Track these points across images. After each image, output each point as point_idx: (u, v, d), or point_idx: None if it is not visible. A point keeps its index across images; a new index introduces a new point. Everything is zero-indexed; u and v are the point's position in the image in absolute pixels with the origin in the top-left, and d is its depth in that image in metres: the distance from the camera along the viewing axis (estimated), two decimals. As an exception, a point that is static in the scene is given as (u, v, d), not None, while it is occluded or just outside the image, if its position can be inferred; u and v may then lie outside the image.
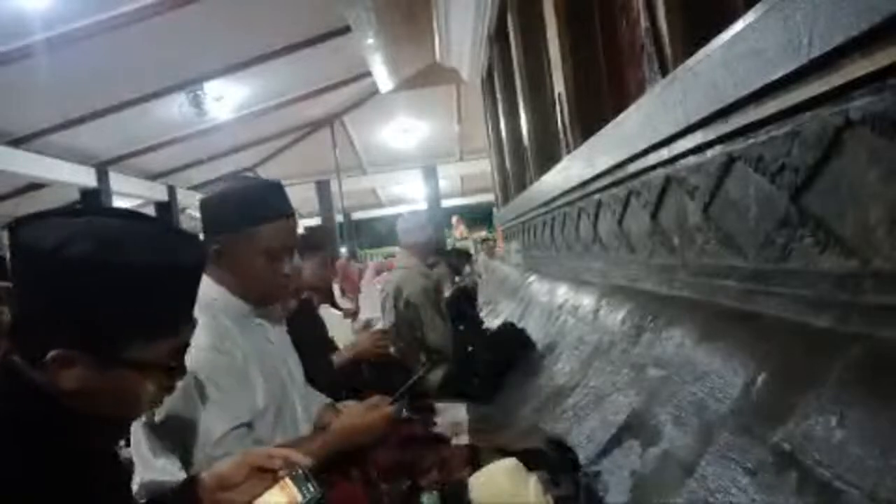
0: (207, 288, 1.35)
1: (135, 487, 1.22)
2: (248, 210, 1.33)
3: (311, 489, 0.96)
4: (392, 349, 2.73)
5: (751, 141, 1.04)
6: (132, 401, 0.81)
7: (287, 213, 1.39)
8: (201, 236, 1.37)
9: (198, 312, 1.32)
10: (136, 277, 0.75)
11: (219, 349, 1.29)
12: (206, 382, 1.25)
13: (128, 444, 1.35)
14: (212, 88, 7.20)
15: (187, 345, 0.87)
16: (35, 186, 8.33)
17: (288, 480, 0.96)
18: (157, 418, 1.23)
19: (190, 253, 0.83)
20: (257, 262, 1.35)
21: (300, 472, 0.97)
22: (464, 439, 2.11)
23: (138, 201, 10.10)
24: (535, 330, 2.66)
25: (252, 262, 1.35)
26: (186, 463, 1.23)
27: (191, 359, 1.23)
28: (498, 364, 2.57)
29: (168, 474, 1.21)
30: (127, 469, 1.20)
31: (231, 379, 1.29)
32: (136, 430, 1.27)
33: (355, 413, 1.43)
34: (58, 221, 0.77)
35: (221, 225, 1.34)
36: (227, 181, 1.45)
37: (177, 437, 1.23)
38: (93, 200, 8.27)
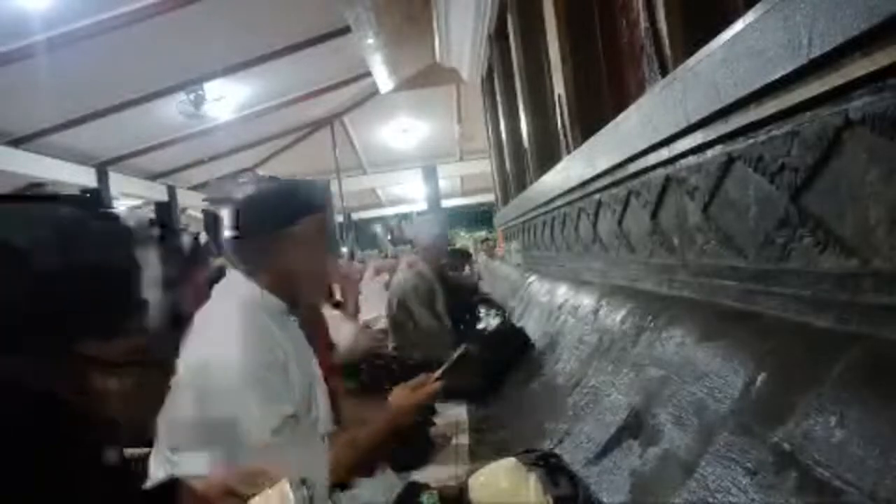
0: (246, 287, 1.38)
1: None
2: (282, 209, 1.36)
3: (305, 495, 0.96)
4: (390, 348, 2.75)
5: (751, 141, 1.04)
6: (103, 400, 0.80)
7: (320, 207, 1.41)
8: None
9: (239, 311, 1.34)
10: (92, 277, 0.75)
11: (260, 346, 1.30)
12: (254, 379, 1.26)
13: (132, 445, 1.35)
14: (212, 88, 7.21)
15: (152, 341, 0.85)
16: (35, 186, 8.33)
17: (285, 485, 0.96)
18: (197, 415, 1.23)
19: (127, 251, 0.81)
20: (296, 260, 1.37)
21: (297, 477, 0.97)
22: (464, 439, 2.11)
23: (138, 201, 10.11)
24: (535, 330, 2.66)
25: (291, 259, 1.37)
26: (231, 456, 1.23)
27: (237, 356, 1.25)
28: (498, 364, 2.57)
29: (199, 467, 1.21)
30: (125, 470, 1.19)
31: (275, 375, 1.31)
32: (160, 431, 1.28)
33: (402, 395, 1.45)
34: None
35: (256, 227, 1.36)
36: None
37: (220, 433, 1.24)
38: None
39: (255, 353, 1.28)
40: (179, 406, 1.21)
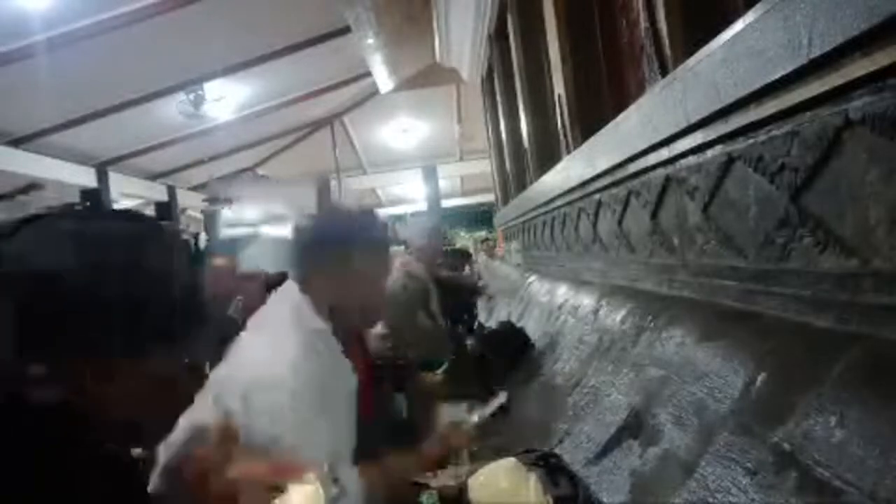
0: (298, 299, 1.43)
1: None
2: (345, 236, 1.44)
3: (337, 490, 0.93)
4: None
5: (751, 141, 1.04)
6: (107, 401, 0.81)
7: (381, 241, 1.50)
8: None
9: (289, 321, 1.40)
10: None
11: (303, 359, 1.36)
12: (293, 388, 1.31)
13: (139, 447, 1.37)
14: (212, 88, 7.21)
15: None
16: (35, 186, 8.33)
17: (313, 478, 0.92)
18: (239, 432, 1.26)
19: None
20: (351, 285, 1.44)
21: (327, 471, 0.94)
22: (464, 440, 2.11)
23: (138, 201, 10.11)
24: (535, 330, 2.66)
25: (346, 283, 1.44)
26: None
27: (281, 367, 1.30)
28: (497, 363, 2.57)
29: None
30: (131, 470, 1.20)
31: (316, 393, 1.36)
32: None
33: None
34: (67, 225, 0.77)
35: (317, 248, 1.44)
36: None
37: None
38: (92, 200, 8.27)
39: (297, 364, 1.32)
40: (210, 406, 1.24)
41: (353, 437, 1.47)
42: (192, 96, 7.16)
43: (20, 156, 7.04)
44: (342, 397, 1.43)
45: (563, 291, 2.60)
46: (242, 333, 1.36)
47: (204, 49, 6.19)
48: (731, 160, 1.12)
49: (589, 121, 2.31)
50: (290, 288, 1.44)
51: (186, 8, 5.20)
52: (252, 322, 1.40)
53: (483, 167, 8.43)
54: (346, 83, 8.41)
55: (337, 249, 1.43)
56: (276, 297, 1.46)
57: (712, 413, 1.04)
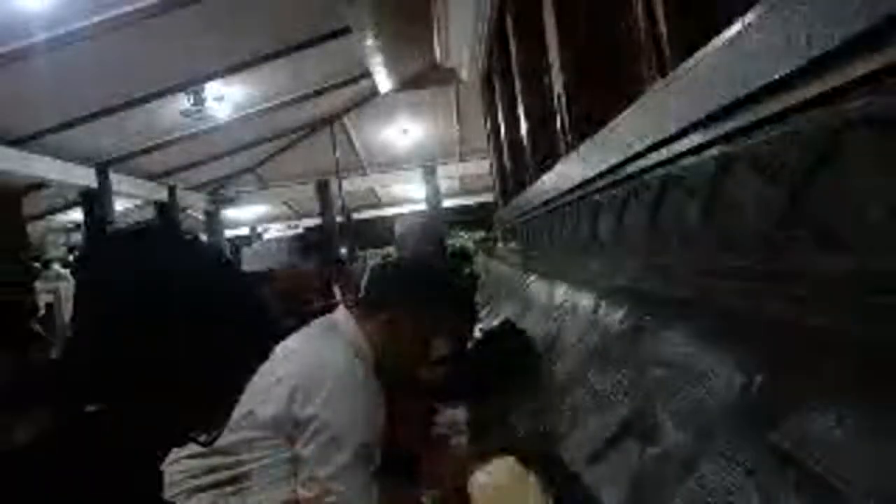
0: (352, 331, 1.45)
1: None
2: (414, 291, 1.50)
3: None
4: None
5: (751, 141, 1.04)
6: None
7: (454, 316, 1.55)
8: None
9: (317, 333, 1.45)
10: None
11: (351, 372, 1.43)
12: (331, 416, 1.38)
13: None
14: (212, 89, 7.22)
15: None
16: (35, 186, 8.34)
17: None
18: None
19: None
20: (408, 344, 1.49)
21: None
22: (463, 440, 2.11)
23: (138, 201, 10.12)
24: (534, 330, 2.66)
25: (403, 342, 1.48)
26: None
27: (326, 392, 1.36)
28: (497, 364, 2.57)
29: None
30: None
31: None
32: None
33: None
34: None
35: (392, 295, 1.49)
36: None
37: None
38: (93, 200, 8.28)
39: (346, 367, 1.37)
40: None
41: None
42: (192, 96, 7.18)
43: (20, 156, 7.04)
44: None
45: (562, 291, 2.60)
46: (287, 341, 1.39)
47: (204, 49, 6.21)
48: (730, 160, 1.12)
49: (588, 121, 2.31)
50: (344, 316, 1.47)
51: (187, 8, 5.22)
52: (299, 334, 1.43)
53: (483, 167, 8.43)
54: (345, 84, 8.43)
55: (420, 300, 1.48)
56: (325, 320, 1.50)
57: (712, 413, 1.04)
